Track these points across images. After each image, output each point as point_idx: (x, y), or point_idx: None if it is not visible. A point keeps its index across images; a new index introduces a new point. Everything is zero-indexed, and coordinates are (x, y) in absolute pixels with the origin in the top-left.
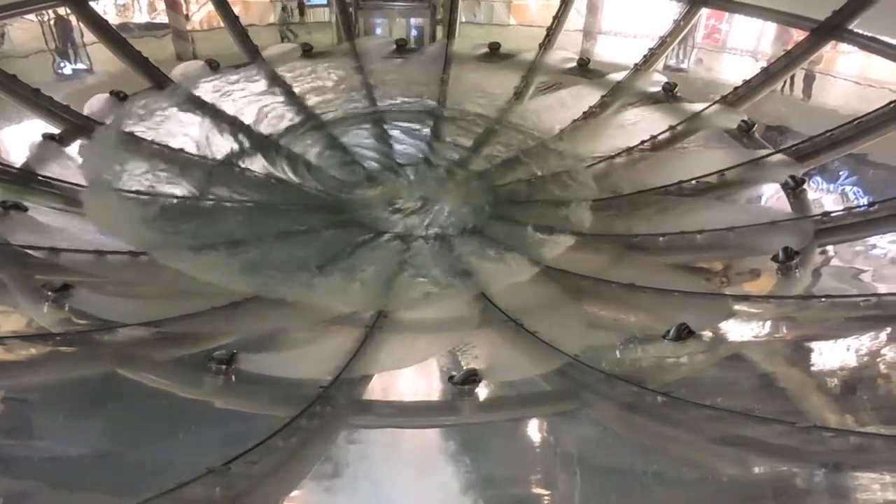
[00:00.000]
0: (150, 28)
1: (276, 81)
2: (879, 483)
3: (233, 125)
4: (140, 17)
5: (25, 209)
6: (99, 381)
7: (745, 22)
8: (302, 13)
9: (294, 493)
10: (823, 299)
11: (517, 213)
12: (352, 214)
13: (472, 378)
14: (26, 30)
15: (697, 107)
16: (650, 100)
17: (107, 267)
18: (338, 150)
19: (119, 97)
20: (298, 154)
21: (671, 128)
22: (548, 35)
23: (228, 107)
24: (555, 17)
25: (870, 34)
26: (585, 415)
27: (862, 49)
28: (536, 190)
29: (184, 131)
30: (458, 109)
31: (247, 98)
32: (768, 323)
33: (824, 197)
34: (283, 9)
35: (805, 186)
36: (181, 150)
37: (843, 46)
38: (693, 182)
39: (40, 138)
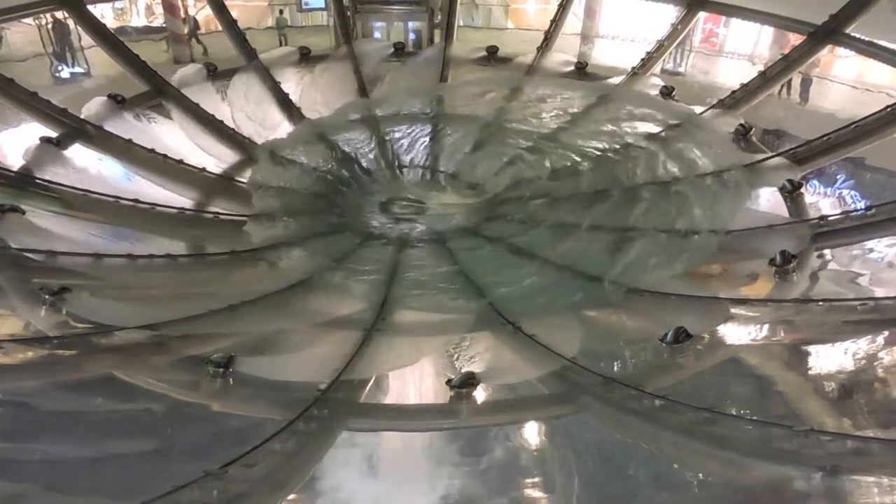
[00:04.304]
0: (148, 32)
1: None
2: (877, 486)
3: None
4: (138, 20)
5: (23, 212)
6: (96, 383)
7: (742, 26)
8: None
9: (291, 497)
10: (821, 303)
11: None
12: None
13: (470, 381)
14: (24, 33)
15: (695, 110)
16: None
17: (104, 270)
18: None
19: (117, 100)
20: None
21: (669, 129)
22: (546, 39)
23: None
24: (552, 21)
25: (867, 38)
26: (583, 418)
27: (859, 53)
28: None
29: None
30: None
31: None
32: (765, 326)
33: (822, 201)
34: (281, 12)
35: (802, 190)
36: None
37: (841, 50)
38: None
39: (38, 141)
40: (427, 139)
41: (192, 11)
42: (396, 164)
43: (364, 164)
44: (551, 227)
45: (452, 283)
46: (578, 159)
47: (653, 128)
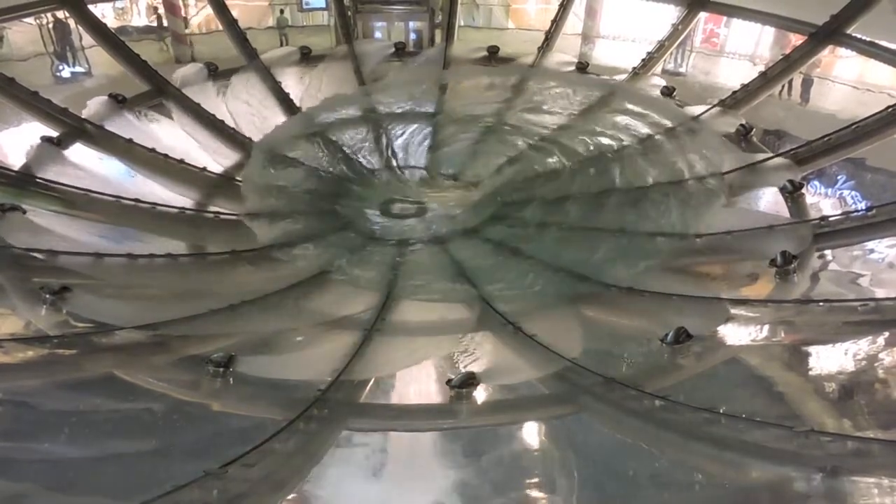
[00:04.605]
0: (149, 31)
1: None
2: (877, 487)
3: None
4: (139, 20)
5: (24, 211)
6: (96, 383)
7: (743, 26)
8: None
9: (291, 496)
10: (821, 303)
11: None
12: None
13: (470, 381)
14: (25, 33)
15: (696, 110)
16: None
17: (104, 269)
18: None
19: (118, 100)
20: None
21: (669, 130)
22: (546, 39)
23: None
24: (553, 21)
25: (868, 38)
26: (583, 418)
27: (860, 53)
28: (534, 186)
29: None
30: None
31: None
32: (766, 327)
33: (822, 201)
34: (282, 12)
35: (803, 190)
36: None
37: (841, 51)
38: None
39: (39, 141)
40: (426, 138)
41: (191, 12)
42: (395, 163)
43: (363, 163)
44: (548, 226)
45: (452, 281)
46: (577, 159)
47: (651, 129)
